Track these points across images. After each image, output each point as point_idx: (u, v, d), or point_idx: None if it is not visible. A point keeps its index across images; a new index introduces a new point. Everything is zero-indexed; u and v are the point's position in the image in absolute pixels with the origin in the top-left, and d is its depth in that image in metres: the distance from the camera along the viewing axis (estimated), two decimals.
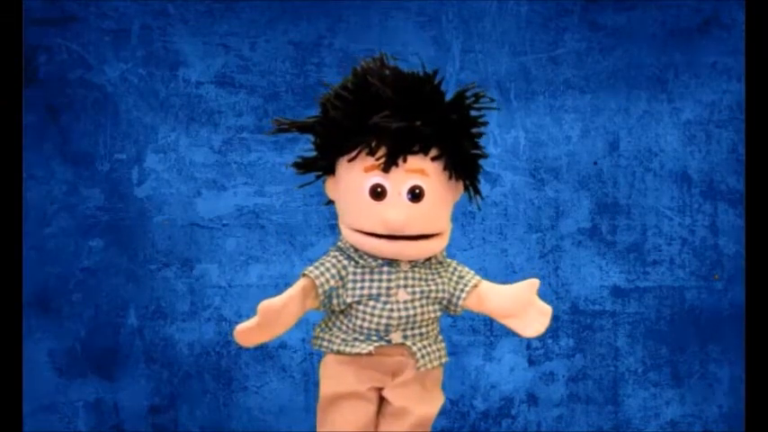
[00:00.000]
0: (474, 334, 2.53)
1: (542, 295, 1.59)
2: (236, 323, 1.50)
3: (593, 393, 2.55)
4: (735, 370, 2.55)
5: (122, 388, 2.51)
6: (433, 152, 1.51)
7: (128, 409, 2.51)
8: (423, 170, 1.51)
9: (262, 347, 2.49)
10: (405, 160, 1.50)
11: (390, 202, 1.50)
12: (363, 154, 1.50)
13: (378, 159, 1.49)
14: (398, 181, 1.50)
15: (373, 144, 1.49)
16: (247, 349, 2.44)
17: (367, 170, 1.50)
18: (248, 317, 1.49)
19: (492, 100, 1.55)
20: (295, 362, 2.51)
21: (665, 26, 2.58)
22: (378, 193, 1.50)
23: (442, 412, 1.61)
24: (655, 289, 2.56)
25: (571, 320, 2.55)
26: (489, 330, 2.53)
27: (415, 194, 1.50)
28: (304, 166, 1.57)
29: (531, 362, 2.54)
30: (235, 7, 2.55)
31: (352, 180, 1.52)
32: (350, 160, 1.51)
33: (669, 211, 2.56)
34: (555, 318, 1.60)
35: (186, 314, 2.51)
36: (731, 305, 2.56)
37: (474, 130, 1.53)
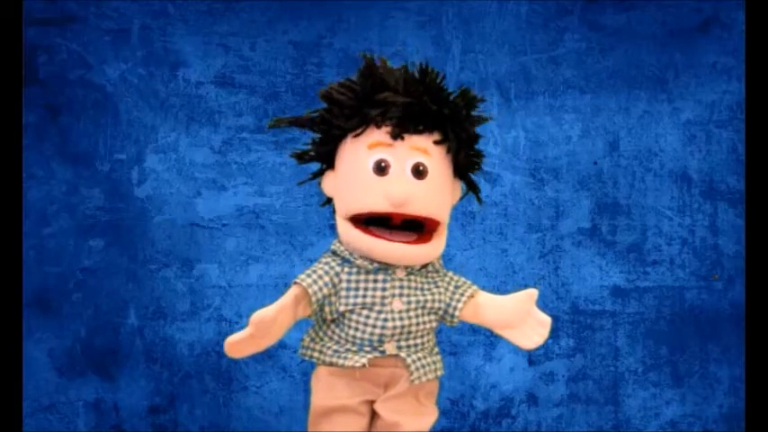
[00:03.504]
0: (474, 334, 2.53)
1: (542, 295, 1.59)
2: (237, 323, 1.50)
3: (593, 393, 2.55)
4: (735, 370, 2.55)
5: (122, 388, 2.51)
6: (436, 135, 1.51)
7: (128, 409, 2.51)
8: (426, 150, 1.51)
9: None
10: (413, 131, 1.50)
11: (394, 177, 1.50)
12: (369, 129, 1.50)
13: (385, 131, 1.49)
14: (402, 157, 1.50)
15: (380, 119, 1.49)
16: None
17: (371, 146, 1.50)
18: (248, 317, 1.49)
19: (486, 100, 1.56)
20: (295, 362, 2.51)
21: (665, 26, 2.58)
22: (382, 168, 1.49)
23: (442, 412, 1.61)
24: (655, 289, 2.56)
25: (571, 320, 2.55)
26: (489, 330, 2.52)
27: (419, 171, 1.50)
28: (304, 155, 1.57)
29: (531, 362, 2.54)
30: (235, 7, 2.54)
31: (357, 158, 1.51)
32: (355, 135, 1.51)
33: (669, 211, 2.56)
34: (555, 318, 1.60)
35: (186, 314, 2.51)
36: (731, 305, 2.56)
37: (474, 114, 1.54)
